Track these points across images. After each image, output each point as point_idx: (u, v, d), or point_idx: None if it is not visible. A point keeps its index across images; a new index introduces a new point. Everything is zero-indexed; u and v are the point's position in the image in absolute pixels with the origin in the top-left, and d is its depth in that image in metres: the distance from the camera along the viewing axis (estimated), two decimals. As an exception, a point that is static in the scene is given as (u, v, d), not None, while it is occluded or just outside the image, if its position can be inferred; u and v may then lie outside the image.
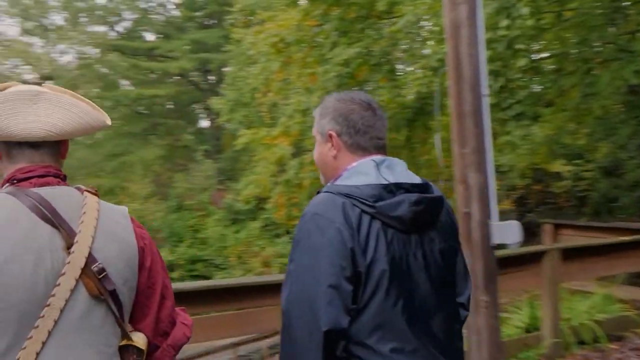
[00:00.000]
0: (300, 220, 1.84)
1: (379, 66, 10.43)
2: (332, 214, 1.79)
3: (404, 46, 11.24)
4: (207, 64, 27.76)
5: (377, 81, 11.03)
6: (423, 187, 1.92)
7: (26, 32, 25.96)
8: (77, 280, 1.66)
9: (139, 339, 1.78)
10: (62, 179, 1.83)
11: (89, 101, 1.89)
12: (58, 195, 1.75)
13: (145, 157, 26.04)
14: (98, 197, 1.83)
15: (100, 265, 1.69)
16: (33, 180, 1.76)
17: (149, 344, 1.83)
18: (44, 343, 1.60)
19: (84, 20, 26.81)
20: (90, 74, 26.10)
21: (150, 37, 29.25)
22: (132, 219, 1.87)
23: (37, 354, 1.59)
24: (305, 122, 11.29)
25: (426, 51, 10.11)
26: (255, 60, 14.57)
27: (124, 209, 1.89)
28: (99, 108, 1.90)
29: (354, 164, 1.95)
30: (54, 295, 1.63)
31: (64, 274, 1.65)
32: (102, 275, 1.69)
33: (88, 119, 1.83)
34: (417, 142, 11.53)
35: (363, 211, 1.81)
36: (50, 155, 1.82)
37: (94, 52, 26.78)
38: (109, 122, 1.88)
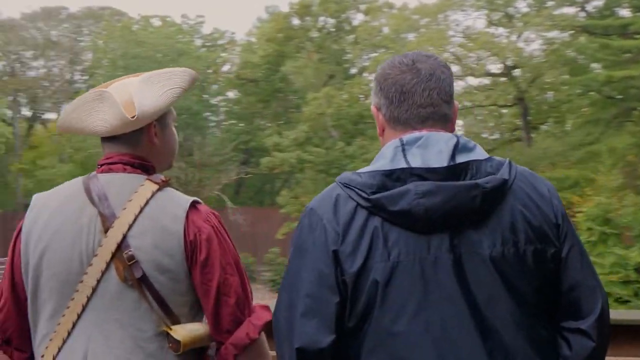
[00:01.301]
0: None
1: None
2: (323, 209, 1.61)
3: None
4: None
5: None
6: (455, 171, 1.54)
7: (491, 23, 26.17)
8: (107, 263, 1.81)
9: (181, 330, 1.81)
10: (135, 166, 1.96)
11: (131, 95, 1.95)
12: (115, 181, 1.92)
13: (616, 146, 23.78)
14: (166, 186, 1.93)
15: (131, 252, 1.80)
16: (103, 167, 1.96)
17: (215, 341, 1.89)
18: (79, 315, 1.80)
19: (551, 3, 25.73)
20: (556, 59, 24.98)
21: (624, 12, 26.54)
22: (201, 211, 1.90)
23: (74, 323, 1.79)
24: None
25: None
26: None
27: (186, 200, 1.91)
28: (134, 102, 1.94)
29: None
30: (87, 274, 1.81)
31: (96, 255, 1.82)
32: (132, 262, 1.79)
33: (122, 115, 1.91)
34: None
35: (359, 205, 1.57)
36: (127, 145, 1.97)
37: (561, 36, 25.54)
38: (128, 116, 1.90)
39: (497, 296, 1.52)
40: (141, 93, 1.94)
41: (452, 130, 1.72)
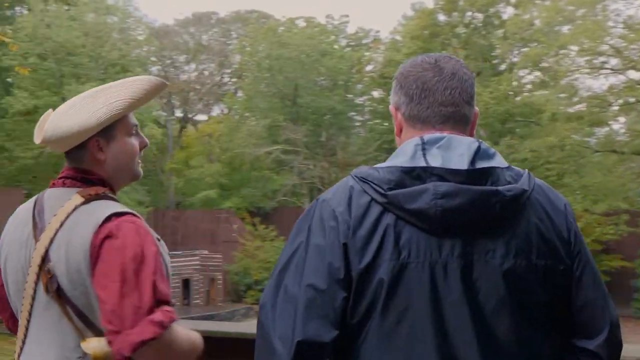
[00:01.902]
0: None
1: None
2: (337, 200, 1.56)
3: None
4: None
5: None
6: (476, 175, 1.50)
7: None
8: (37, 275, 1.90)
9: (97, 342, 1.83)
10: (78, 180, 2.02)
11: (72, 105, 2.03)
12: (54, 196, 2.00)
13: None
14: (96, 199, 1.95)
15: (50, 264, 1.87)
16: (55, 181, 2.05)
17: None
18: (28, 320, 1.94)
19: None
20: None
21: None
22: (115, 223, 1.87)
23: (26, 327, 1.94)
24: None
25: None
26: None
27: (104, 213, 1.90)
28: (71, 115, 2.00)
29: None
30: (27, 283, 1.92)
31: (30, 266, 1.91)
32: (50, 276, 1.86)
33: (37, 137, 2.04)
34: None
35: (374, 200, 1.52)
36: (73, 160, 2.04)
37: None
38: (38, 140, 2.02)
39: (503, 308, 1.49)
40: (63, 115, 1.99)
41: (471, 133, 1.69)
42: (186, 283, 32.25)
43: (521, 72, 29.41)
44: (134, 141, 2.12)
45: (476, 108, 1.72)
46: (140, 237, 1.87)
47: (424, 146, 1.55)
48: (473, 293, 1.48)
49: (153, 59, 40.95)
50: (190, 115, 44.93)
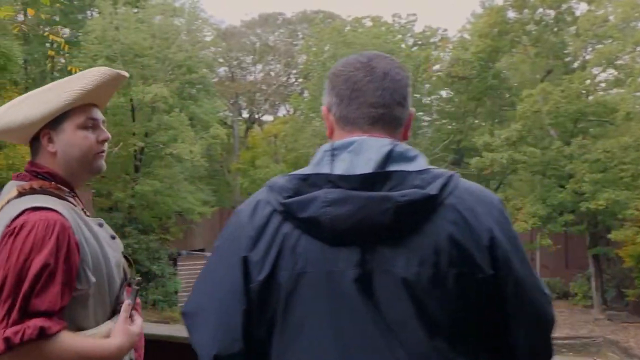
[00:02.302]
0: None
1: None
2: (245, 211, 1.58)
3: None
4: None
5: None
6: (371, 180, 1.45)
7: None
8: None
9: None
10: (28, 172, 2.02)
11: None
12: (5, 190, 2.01)
13: None
14: (30, 193, 1.94)
15: None
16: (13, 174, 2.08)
17: None
18: None
19: None
20: None
21: None
22: (23, 219, 1.84)
23: None
24: None
25: None
26: None
27: (20, 208, 1.88)
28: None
29: None
30: None
31: None
32: None
33: None
34: None
35: (275, 210, 1.52)
36: (32, 152, 2.05)
37: None
38: None
39: (409, 319, 1.44)
40: (14, 106, 2.00)
41: (404, 136, 1.66)
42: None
43: (594, 70, 28.37)
44: (89, 134, 2.09)
45: (412, 109, 1.68)
46: (36, 239, 1.82)
47: (334, 152, 1.53)
48: (374, 304, 1.43)
49: (220, 60, 41.40)
50: (256, 116, 45.23)
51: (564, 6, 29.81)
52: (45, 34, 14.73)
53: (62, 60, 29.91)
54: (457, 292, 1.45)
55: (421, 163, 1.52)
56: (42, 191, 1.96)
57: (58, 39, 8.26)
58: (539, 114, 26.16)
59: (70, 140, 2.05)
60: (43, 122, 1.99)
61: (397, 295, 1.43)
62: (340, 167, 1.49)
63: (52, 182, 2.03)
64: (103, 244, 2.02)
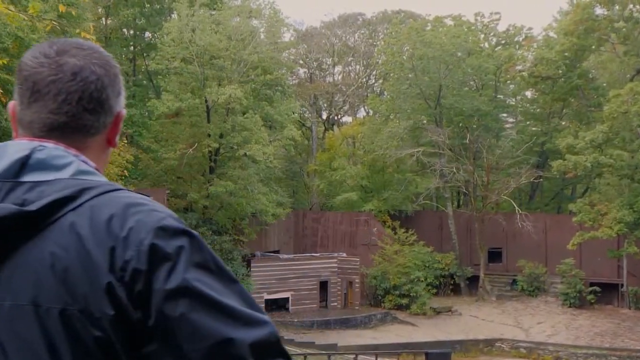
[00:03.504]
0: None
1: None
2: None
3: None
4: None
5: None
6: None
7: None
8: None
9: None
10: None
11: None
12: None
13: None
14: None
15: None
16: None
17: None
18: None
19: None
20: None
21: None
22: None
23: None
24: None
25: None
26: None
27: None
28: None
29: None
30: None
31: None
32: None
33: None
34: None
35: None
36: None
37: None
38: None
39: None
40: None
41: (109, 142, 1.45)
42: (323, 285, 32.36)
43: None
44: None
45: (122, 110, 1.47)
46: None
47: None
48: None
49: (300, 61, 41.50)
50: (335, 117, 45.10)
51: (657, 2, 28.24)
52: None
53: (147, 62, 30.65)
54: (70, 338, 1.20)
55: (70, 172, 1.30)
56: None
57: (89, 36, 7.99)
58: (627, 114, 24.85)
59: None
60: None
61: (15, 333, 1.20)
62: None
63: None
64: None
